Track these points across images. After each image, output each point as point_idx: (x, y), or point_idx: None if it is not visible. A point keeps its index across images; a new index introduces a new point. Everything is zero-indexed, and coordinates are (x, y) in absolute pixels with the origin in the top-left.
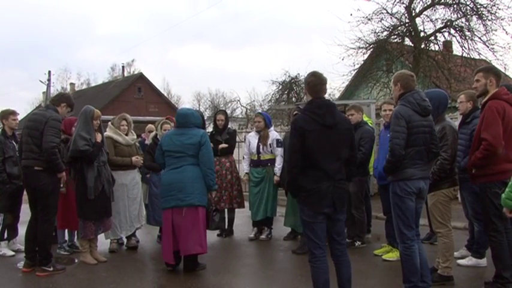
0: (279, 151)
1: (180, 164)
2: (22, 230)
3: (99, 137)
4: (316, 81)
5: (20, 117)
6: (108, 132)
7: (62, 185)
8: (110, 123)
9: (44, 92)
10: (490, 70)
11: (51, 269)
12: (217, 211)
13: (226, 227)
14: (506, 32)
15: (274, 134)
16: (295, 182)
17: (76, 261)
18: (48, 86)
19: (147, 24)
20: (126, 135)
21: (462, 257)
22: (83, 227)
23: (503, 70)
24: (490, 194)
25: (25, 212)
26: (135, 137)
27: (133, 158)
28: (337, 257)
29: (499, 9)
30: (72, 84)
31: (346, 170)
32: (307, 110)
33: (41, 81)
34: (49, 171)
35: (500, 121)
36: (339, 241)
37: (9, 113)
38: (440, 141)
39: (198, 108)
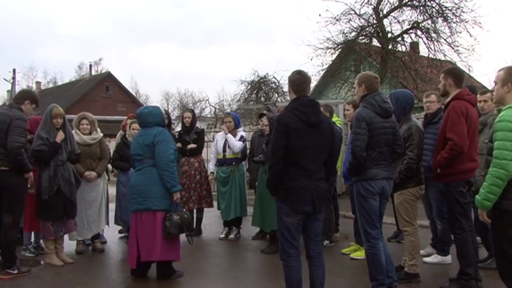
0: (240, 143)
1: (141, 166)
2: None
3: (59, 136)
4: (301, 79)
5: None
6: None
7: (29, 186)
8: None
9: (8, 91)
10: (450, 72)
11: (16, 271)
12: (170, 217)
13: (194, 226)
14: (470, 34)
15: (230, 137)
16: (276, 179)
17: (42, 263)
18: (13, 84)
19: (110, 25)
20: (90, 134)
21: (428, 255)
22: (43, 228)
23: (467, 71)
24: (455, 193)
25: None
26: (98, 136)
27: (86, 173)
28: (313, 258)
29: (463, 12)
30: (38, 83)
31: (325, 170)
32: (292, 107)
33: (5, 79)
34: (15, 171)
35: (464, 121)
36: (316, 242)
37: None
38: (407, 141)
39: (166, 108)
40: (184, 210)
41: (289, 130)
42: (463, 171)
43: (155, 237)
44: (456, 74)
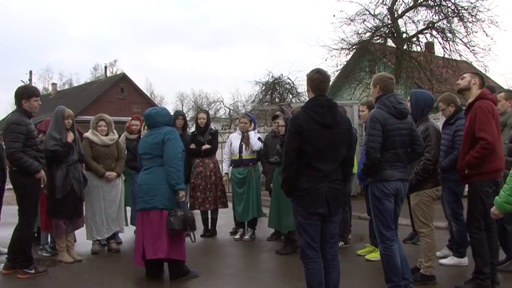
0: (259, 142)
1: (149, 165)
2: (2, 232)
3: (70, 137)
4: (321, 79)
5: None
6: (86, 133)
7: (42, 186)
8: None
9: None
10: (477, 74)
11: (33, 271)
12: (174, 213)
13: (209, 227)
14: (487, 34)
15: (253, 134)
16: (291, 180)
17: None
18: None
19: (123, 27)
20: (107, 135)
21: (444, 257)
22: (55, 226)
23: (483, 71)
24: (481, 193)
25: (6, 214)
26: (115, 137)
27: (107, 174)
28: (328, 260)
29: (480, 11)
30: (54, 84)
31: (342, 170)
32: (308, 108)
33: (22, 81)
34: (24, 172)
35: (493, 120)
36: (332, 244)
37: None
38: (424, 142)
39: (181, 109)
40: (189, 210)
41: (303, 131)
42: (492, 170)
43: (162, 235)
44: (482, 77)
